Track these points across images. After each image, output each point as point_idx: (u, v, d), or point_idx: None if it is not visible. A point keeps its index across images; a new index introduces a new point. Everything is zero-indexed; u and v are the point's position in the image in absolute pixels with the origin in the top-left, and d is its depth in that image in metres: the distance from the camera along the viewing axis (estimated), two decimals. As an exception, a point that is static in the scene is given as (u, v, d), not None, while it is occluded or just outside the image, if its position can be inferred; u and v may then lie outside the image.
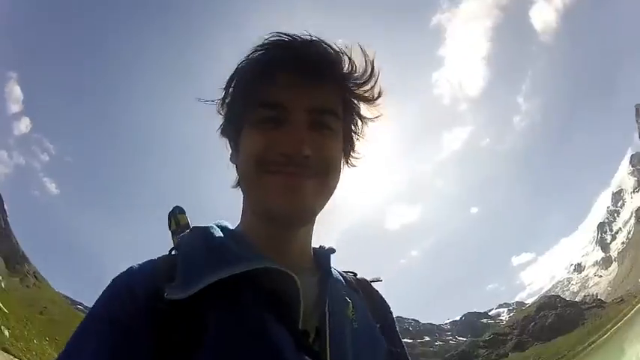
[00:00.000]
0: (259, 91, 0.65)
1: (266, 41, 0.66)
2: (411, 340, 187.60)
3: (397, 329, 0.84)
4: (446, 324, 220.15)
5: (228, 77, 0.70)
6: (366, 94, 0.70)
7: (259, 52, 0.66)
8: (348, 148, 0.76)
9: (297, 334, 0.60)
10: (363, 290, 0.81)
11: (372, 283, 0.86)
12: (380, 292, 0.86)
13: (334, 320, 0.65)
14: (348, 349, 0.64)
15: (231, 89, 0.70)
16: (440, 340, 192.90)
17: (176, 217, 1.21)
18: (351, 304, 0.70)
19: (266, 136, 0.65)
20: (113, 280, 0.64)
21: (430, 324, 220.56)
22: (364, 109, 0.73)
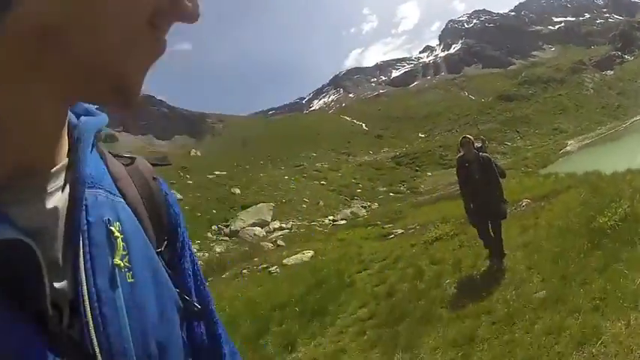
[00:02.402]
0: None
1: None
2: (573, 19, 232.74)
3: (188, 245, 0.55)
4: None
5: None
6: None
7: None
8: None
9: (41, 318, 0.33)
10: (141, 191, 0.49)
11: (156, 178, 0.52)
12: (165, 189, 0.53)
13: (97, 283, 0.37)
14: (121, 322, 0.38)
15: None
16: (600, 18, 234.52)
17: None
18: (120, 244, 0.40)
19: None
20: None
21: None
22: None
